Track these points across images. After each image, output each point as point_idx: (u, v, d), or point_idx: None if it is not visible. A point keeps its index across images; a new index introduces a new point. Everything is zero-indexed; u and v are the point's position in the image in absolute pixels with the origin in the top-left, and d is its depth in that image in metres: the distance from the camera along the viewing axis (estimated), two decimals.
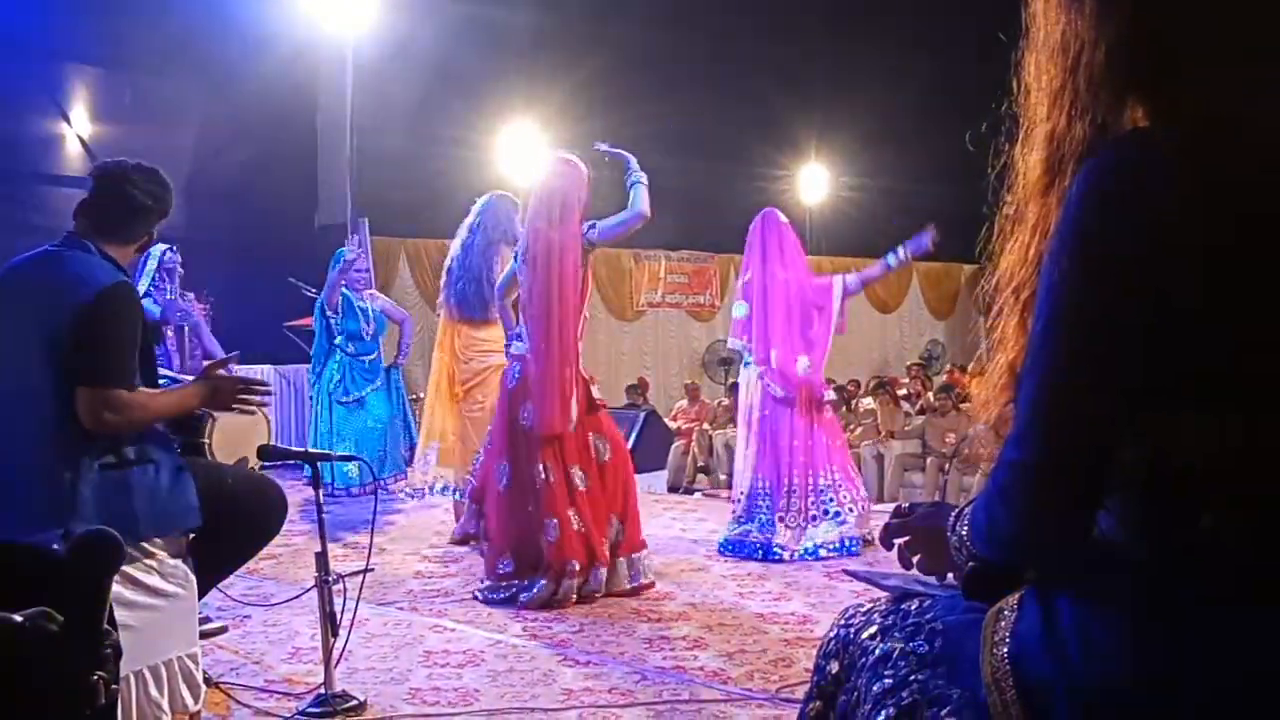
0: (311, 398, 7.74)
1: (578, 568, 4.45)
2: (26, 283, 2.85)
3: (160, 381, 3.15)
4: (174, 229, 7.00)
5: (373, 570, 3.52)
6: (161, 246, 6.94)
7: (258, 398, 3.11)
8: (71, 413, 2.69)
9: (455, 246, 6.00)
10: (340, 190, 11.00)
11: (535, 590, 4.43)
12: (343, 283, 7.21)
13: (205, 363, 4.65)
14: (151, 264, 6.92)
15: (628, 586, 4.60)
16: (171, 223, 7.14)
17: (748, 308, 5.74)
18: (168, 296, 6.70)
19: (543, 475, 4.53)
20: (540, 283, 4.56)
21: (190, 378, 5.07)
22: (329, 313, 7.33)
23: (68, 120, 9.81)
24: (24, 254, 2.91)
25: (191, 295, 7.58)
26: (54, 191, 8.84)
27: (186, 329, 7.39)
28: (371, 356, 7.52)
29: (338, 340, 7.41)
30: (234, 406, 3.06)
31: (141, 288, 6.85)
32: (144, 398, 2.81)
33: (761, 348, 5.68)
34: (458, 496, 5.98)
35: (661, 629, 4.11)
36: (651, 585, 4.65)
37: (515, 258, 4.89)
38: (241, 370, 9.25)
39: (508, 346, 4.88)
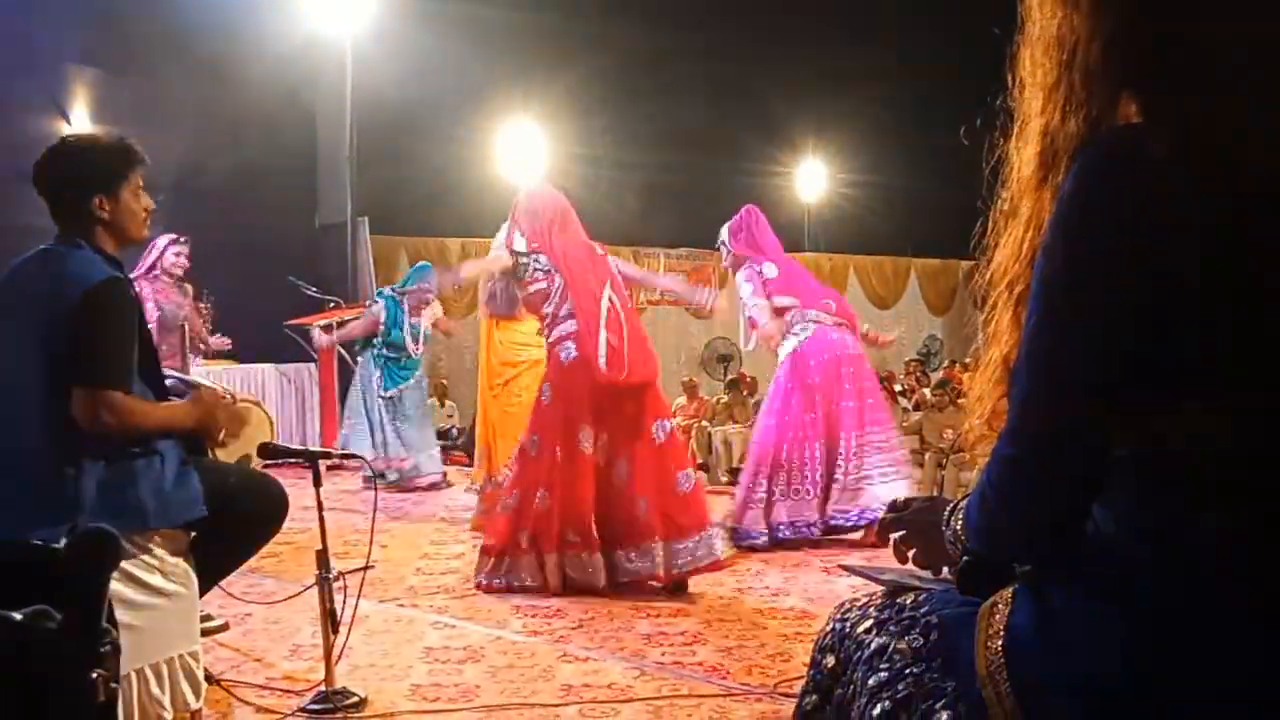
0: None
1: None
2: (22, 282, 2.84)
3: (167, 381, 3.15)
4: (174, 228, 7.03)
5: (373, 567, 3.53)
6: (166, 238, 6.99)
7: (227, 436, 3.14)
8: (70, 410, 2.69)
9: (492, 249, 6.17)
10: (340, 189, 11.01)
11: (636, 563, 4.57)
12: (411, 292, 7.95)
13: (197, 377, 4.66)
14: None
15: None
16: (172, 222, 7.11)
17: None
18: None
19: (666, 430, 4.72)
20: (574, 283, 4.72)
21: (195, 378, 5.09)
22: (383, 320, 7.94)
23: (68, 121, 9.80)
24: (22, 255, 2.90)
25: (189, 288, 7.60)
26: None
27: (186, 328, 7.40)
28: (406, 355, 8.05)
29: (375, 341, 7.98)
30: (215, 440, 3.08)
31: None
32: (140, 405, 2.80)
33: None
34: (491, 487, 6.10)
35: (660, 624, 4.12)
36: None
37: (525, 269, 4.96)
38: (242, 370, 9.30)
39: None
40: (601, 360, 4.57)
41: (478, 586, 4.70)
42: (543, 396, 4.81)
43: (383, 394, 7.94)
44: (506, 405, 6.14)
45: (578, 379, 4.65)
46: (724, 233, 6.09)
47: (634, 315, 4.89)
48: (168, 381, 3.17)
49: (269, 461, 3.62)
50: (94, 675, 1.39)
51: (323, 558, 3.19)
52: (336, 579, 3.19)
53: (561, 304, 4.76)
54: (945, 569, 1.51)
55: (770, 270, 5.90)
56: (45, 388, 2.71)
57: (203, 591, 3.09)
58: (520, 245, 4.92)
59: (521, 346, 6.17)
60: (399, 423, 7.94)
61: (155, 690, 2.77)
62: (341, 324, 9.12)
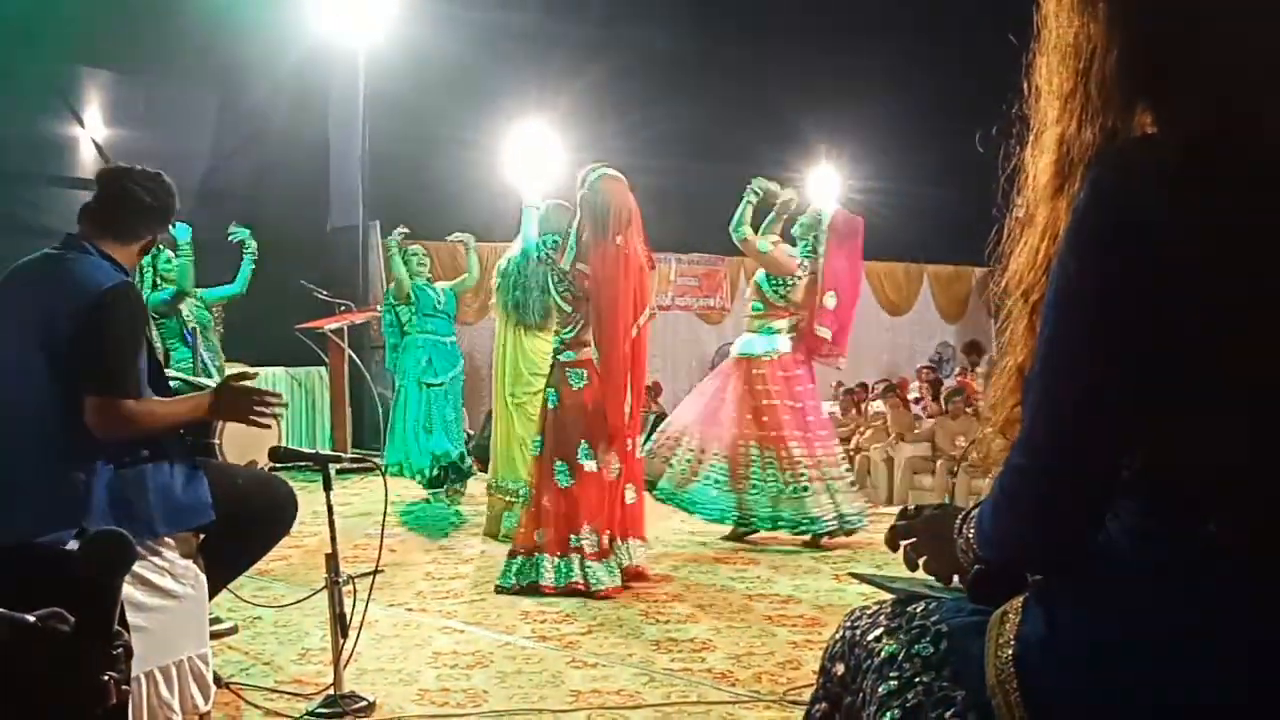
0: (398, 387, 7.80)
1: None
2: (28, 286, 2.84)
3: (171, 383, 3.16)
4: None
5: (383, 571, 3.53)
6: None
7: (271, 409, 3.02)
8: (80, 414, 2.69)
9: (514, 251, 6.13)
10: (352, 193, 11.02)
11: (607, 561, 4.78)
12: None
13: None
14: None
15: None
16: (185, 224, 7.11)
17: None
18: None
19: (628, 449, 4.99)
20: (600, 295, 4.80)
21: (206, 380, 5.10)
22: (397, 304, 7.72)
23: (81, 123, 9.83)
24: (25, 257, 2.91)
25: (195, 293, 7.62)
26: (67, 194, 8.80)
27: (200, 330, 7.43)
28: (450, 339, 7.71)
29: (410, 327, 7.63)
30: (249, 419, 3.00)
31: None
32: (152, 406, 2.80)
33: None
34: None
35: (669, 630, 4.12)
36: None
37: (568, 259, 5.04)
38: (252, 372, 9.31)
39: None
40: (626, 412, 4.82)
41: (497, 589, 4.74)
42: (549, 403, 4.95)
43: (432, 380, 7.51)
44: (532, 414, 6.05)
45: (579, 404, 4.85)
46: (824, 217, 6.30)
47: (642, 343, 4.98)
48: (172, 384, 3.18)
49: (279, 465, 3.63)
50: (106, 678, 1.39)
51: (332, 561, 3.19)
52: (346, 583, 3.20)
53: (583, 332, 4.89)
54: (956, 577, 1.50)
55: (830, 301, 6.06)
56: (53, 390, 2.71)
57: (212, 594, 3.10)
58: (568, 262, 4.94)
59: (547, 357, 6.11)
60: (451, 413, 7.58)
61: (164, 692, 2.78)
62: (352, 328, 9.12)
